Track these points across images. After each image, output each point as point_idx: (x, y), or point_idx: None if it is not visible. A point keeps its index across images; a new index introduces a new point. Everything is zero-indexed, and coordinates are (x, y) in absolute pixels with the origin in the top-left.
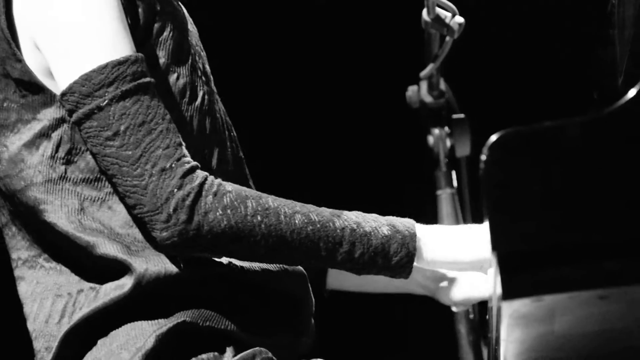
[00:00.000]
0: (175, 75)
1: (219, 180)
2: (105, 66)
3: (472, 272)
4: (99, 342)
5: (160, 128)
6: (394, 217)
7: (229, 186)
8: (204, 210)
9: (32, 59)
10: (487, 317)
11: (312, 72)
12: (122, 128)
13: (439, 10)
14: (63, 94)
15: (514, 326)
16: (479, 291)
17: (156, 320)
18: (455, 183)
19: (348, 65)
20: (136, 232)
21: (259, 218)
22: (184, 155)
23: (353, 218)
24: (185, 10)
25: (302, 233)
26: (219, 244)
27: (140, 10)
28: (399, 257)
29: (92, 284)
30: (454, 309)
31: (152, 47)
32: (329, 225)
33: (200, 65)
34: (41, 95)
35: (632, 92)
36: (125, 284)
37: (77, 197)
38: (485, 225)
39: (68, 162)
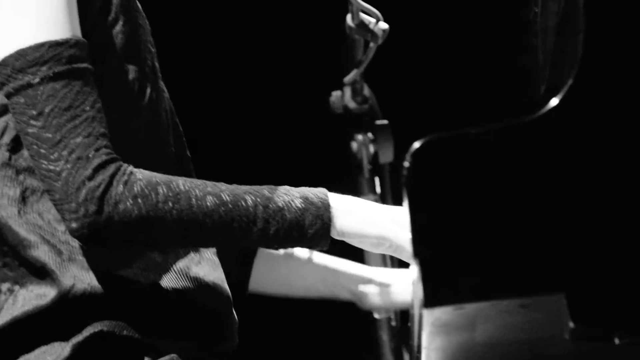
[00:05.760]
0: (124, 70)
1: (131, 168)
2: (43, 45)
3: (400, 278)
4: (17, 351)
5: (85, 115)
6: (306, 188)
7: (139, 174)
8: (114, 201)
9: None
10: (409, 324)
11: (237, 75)
12: (46, 109)
13: (363, 15)
14: None
15: (435, 334)
16: (405, 297)
17: (74, 330)
18: (378, 189)
19: (273, 70)
20: None
21: (170, 204)
22: (104, 146)
23: (265, 194)
24: (139, 5)
25: (215, 215)
26: (131, 234)
27: None
28: (314, 230)
29: (10, 285)
30: (376, 315)
31: (103, 38)
32: (241, 203)
33: (150, 62)
34: None
35: (554, 102)
36: (47, 294)
37: (19, 185)
38: (401, 208)
39: (13, 149)
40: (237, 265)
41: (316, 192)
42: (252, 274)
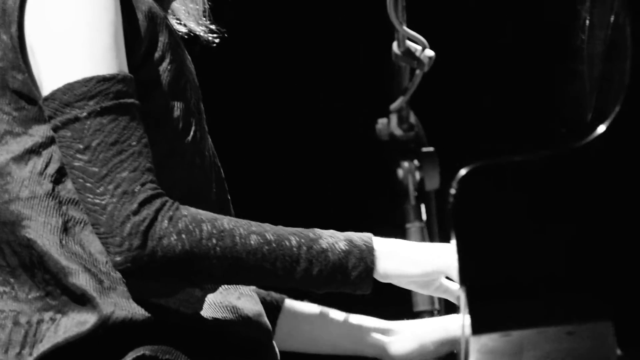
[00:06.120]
0: (169, 107)
1: (176, 204)
2: (90, 79)
3: (425, 329)
4: None
5: (132, 150)
6: (352, 232)
7: (185, 210)
8: (159, 236)
9: (35, 70)
10: (455, 351)
11: (284, 105)
12: (93, 143)
13: (409, 43)
14: (45, 99)
15: None
16: (433, 349)
17: (115, 356)
18: (424, 216)
19: (320, 98)
20: None
21: (214, 241)
22: (150, 181)
23: (310, 235)
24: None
25: (258, 254)
26: (175, 269)
27: (142, 36)
28: (357, 272)
29: (52, 314)
30: None
31: (150, 75)
32: (285, 243)
33: (195, 102)
34: (36, 111)
35: (601, 129)
36: (87, 320)
37: (61, 216)
38: (446, 245)
39: (56, 180)
40: None
41: (361, 236)
42: (277, 331)
